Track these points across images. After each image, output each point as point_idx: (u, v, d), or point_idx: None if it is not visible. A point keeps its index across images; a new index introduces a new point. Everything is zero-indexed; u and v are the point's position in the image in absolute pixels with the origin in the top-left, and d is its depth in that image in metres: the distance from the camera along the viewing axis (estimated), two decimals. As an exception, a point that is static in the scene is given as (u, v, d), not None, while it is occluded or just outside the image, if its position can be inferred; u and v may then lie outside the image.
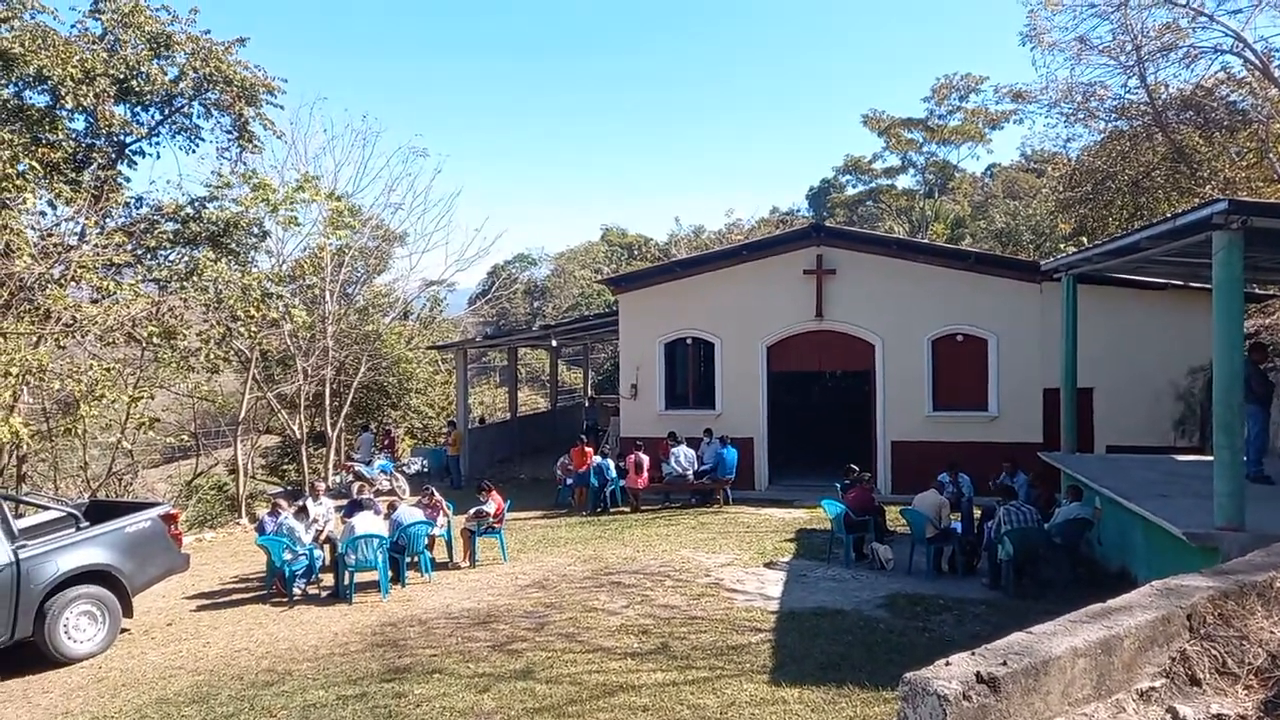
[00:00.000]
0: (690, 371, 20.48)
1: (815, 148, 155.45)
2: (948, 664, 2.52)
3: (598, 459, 18.04)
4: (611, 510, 17.56)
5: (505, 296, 44.49)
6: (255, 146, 19.24)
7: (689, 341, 19.83)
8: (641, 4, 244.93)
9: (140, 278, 16.98)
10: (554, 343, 26.71)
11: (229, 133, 18.92)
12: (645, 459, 17.39)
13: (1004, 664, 2.49)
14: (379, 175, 50.85)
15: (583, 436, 19.31)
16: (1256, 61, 19.21)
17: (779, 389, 19.59)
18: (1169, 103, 21.28)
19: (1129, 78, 21.38)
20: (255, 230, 18.93)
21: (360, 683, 8.27)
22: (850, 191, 53.84)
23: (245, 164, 19.29)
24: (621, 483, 17.72)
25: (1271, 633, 2.96)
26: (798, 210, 56.04)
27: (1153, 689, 2.69)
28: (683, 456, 17.52)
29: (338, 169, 24.60)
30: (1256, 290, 18.01)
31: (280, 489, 22.45)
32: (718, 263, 19.91)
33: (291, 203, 18.04)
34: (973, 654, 2.57)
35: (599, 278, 40.36)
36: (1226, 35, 19.30)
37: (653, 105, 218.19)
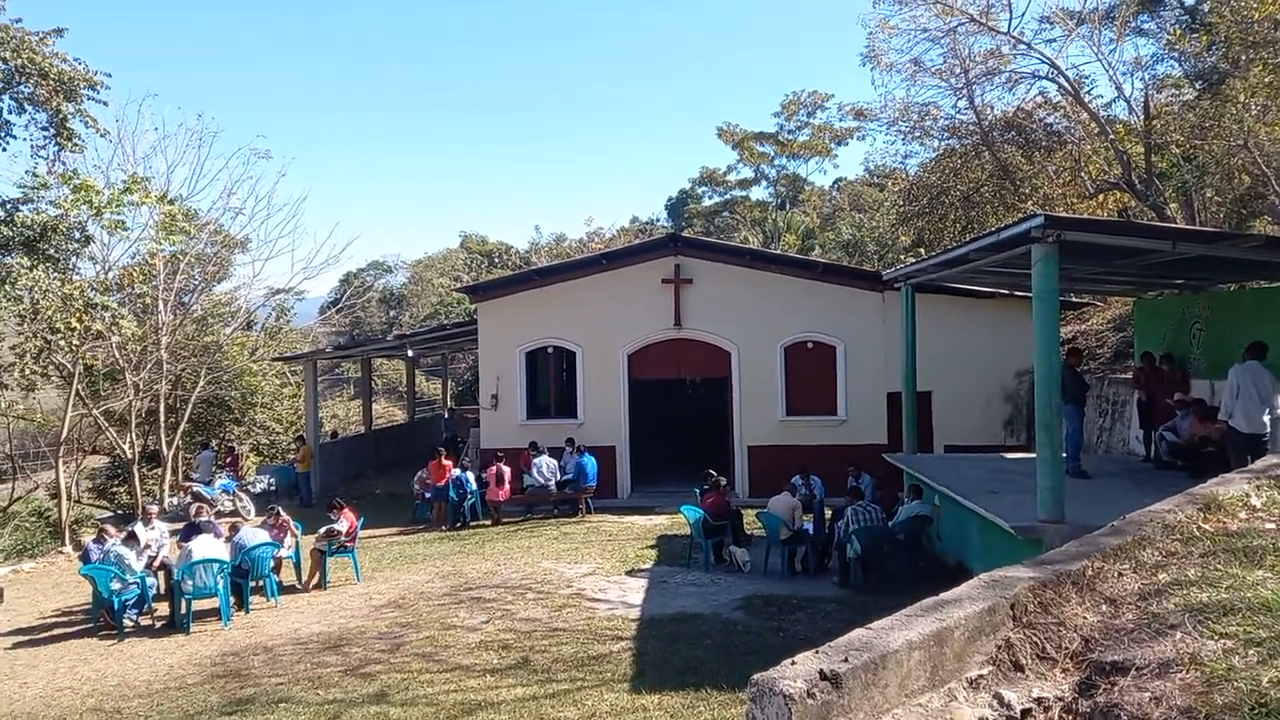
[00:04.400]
0: (551, 381, 20.37)
1: (674, 159, 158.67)
2: (793, 663, 2.56)
3: (457, 472, 17.65)
4: (472, 524, 17.20)
5: (359, 305, 43.00)
6: (76, 145, 17.76)
7: (550, 350, 19.73)
8: (500, 11, 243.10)
9: (-58, 287, 15.39)
10: (410, 353, 25.99)
11: (45, 130, 17.37)
12: (506, 470, 17.14)
13: (845, 660, 2.56)
14: (217, 177, 47.71)
15: (441, 449, 18.84)
16: (1069, 87, 20.93)
17: (640, 397, 19.76)
18: (994, 123, 22.86)
19: (959, 99, 22.88)
20: (77, 235, 17.44)
21: (198, 718, 7.77)
22: (707, 202, 55.09)
23: (65, 164, 17.78)
24: (482, 494, 17.41)
25: (1085, 618, 3.18)
26: (657, 220, 56.88)
27: (981, 677, 2.84)
28: (545, 467, 17.37)
29: (170, 170, 23.09)
30: (1073, 299, 19.60)
31: (110, 513, 20.86)
32: (578, 271, 19.93)
33: (118, 205, 16.72)
34: (816, 652, 2.63)
35: (458, 286, 39.62)
36: (1043, 62, 20.96)
37: (514, 113, 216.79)
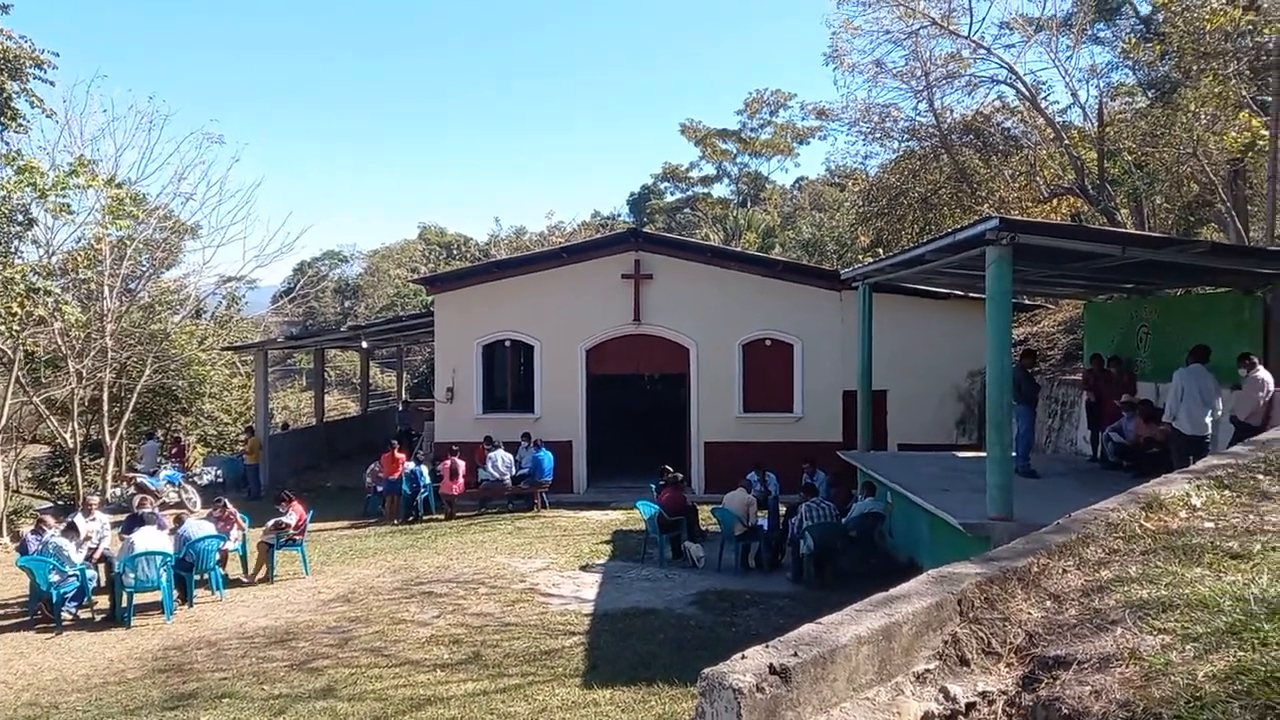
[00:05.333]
0: (509, 374, 20.23)
1: (636, 155, 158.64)
2: (743, 658, 2.55)
3: (410, 465, 17.45)
4: (425, 518, 17.02)
5: (313, 295, 42.29)
6: (20, 125, 17.28)
7: (508, 344, 19.58)
8: (463, 4, 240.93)
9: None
10: (365, 344, 25.64)
11: (-13, 109, 16.89)
12: (461, 464, 16.98)
13: (795, 655, 2.55)
14: (168, 162, 46.66)
15: (394, 442, 18.62)
16: (1026, 92, 21.29)
17: (598, 392, 19.71)
18: (953, 126, 23.20)
19: (919, 101, 23.20)
20: (20, 217, 16.98)
21: (138, 713, 7.57)
22: (669, 198, 55.17)
23: (8, 144, 17.27)
24: (435, 487, 17.23)
25: (1029, 614, 3.21)
26: (619, 215, 56.79)
27: (928, 671, 2.85)
28: (500, 461, 17.24)
29: (119, 153, 22.58)
30: (1026, 301, 19.94)
31: (49, 504, 20.29)
32: (538, 265, 19.80)
33: (64, 188, 16.22)
34: (766, 646, 2.62)
35: (415, 277, 39.21)
36: (1001, 67, 21.31)
37: (475, 105, 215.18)
